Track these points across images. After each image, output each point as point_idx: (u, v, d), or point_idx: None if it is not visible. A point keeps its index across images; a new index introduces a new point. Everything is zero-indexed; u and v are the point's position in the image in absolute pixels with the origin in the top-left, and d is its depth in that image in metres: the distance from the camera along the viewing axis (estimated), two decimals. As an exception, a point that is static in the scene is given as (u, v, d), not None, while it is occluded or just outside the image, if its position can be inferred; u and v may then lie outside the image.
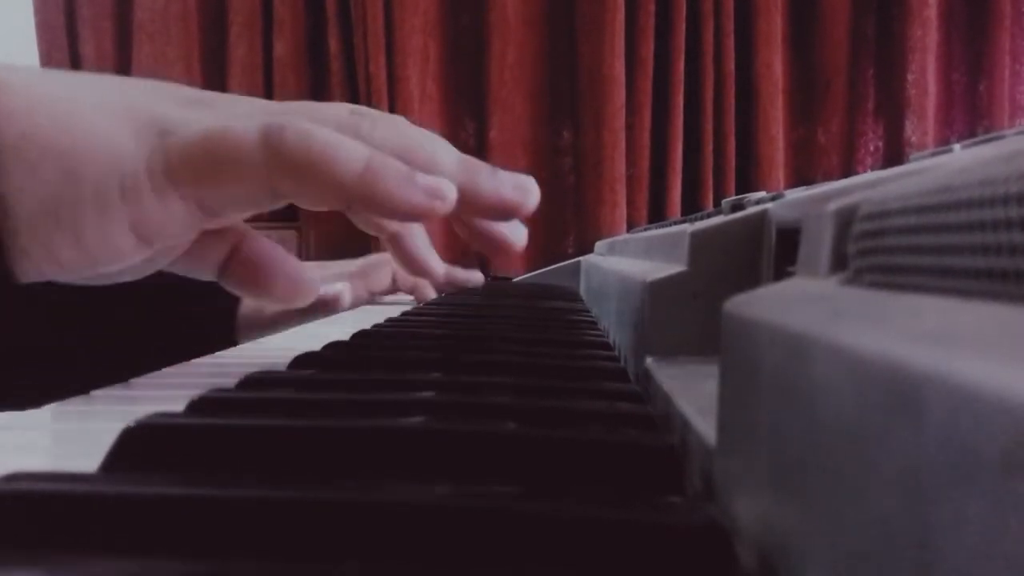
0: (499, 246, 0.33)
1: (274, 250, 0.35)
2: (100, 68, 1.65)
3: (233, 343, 0.49)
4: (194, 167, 0.27)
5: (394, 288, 0.82)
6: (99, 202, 0.26)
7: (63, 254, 0.27)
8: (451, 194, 0.28)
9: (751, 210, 0.29)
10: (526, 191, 0.31)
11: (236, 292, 0.35)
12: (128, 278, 0.31)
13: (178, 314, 0.55)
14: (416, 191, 0.27)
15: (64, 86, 0.28)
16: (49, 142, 0.26)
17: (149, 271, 0.32)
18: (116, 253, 0.27)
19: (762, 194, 0.34)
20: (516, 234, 0.33)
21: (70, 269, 0.27)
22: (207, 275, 0.34)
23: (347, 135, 0.28)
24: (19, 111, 0.26)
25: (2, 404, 0.27)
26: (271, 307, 0.62)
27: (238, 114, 0.29)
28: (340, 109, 0.30)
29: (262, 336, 0.61)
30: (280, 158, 0.26)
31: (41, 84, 0.27)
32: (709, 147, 1.55)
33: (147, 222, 0.27)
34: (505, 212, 0.31)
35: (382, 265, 0.81)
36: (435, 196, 0.28)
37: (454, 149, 0.31)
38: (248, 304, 0.63)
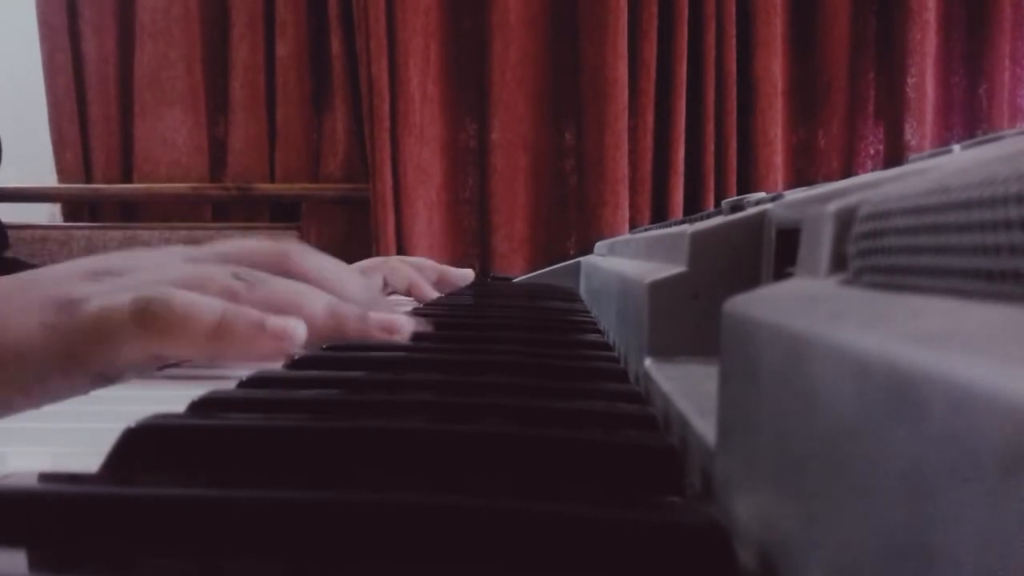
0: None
1: None
2: (102, 68, 1.65)
3: None
4: (87, 344, 0.32)
5: (389, 291, 0.82)
6: (19, 385, 0.32)
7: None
8: (298, 335, 0.33)
9: (751, 211, 0.29)
10: (395, 332, 0.37)
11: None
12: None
13: None
14: (264, 337, 0.32)
15: None
16: None
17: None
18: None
19: (762, 195, 0.34)
20: (394, 329, 0.37)
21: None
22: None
23: (223, 295, 0.33)
24: None
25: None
26: None
27: (124, 285, 0.34)
28: (224, 268, 0.36)
29: None
30: (147, 329, 0.32)
31: None
32: (710, 149, 1.56)
33: (54, 398, 0.31)
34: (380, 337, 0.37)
35: (376, 269, 0.80)
36: (282, 338, 0.32)
37: (334, 288, 0.38)
38: None
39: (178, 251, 0.38)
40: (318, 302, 0.36)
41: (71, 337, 0.33)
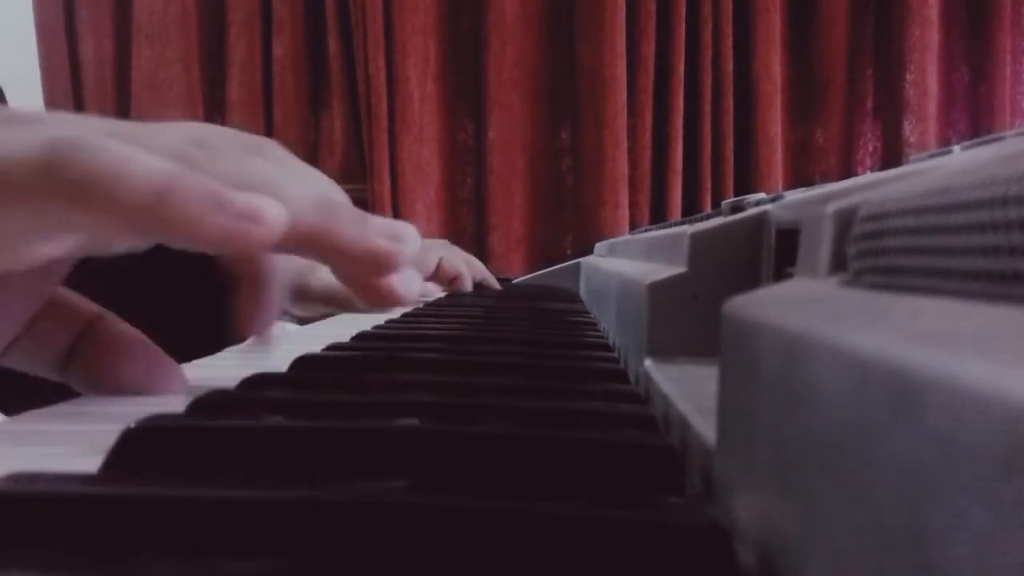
0: (382, 299, 0.29)
1: (131, 335, 0.31)
2: (100, 69, 1.65)
3: (226, 332, 0.46)
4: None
5: (435, 277, 0.83)
6: None
7: None
8: (273, 218, 0.23)
9: (751, 211, 0.29)
10: (400, 239, 0.27)
11: (80, 388, 0.31)
12: None
13: (170, 305, 0.54)
14: (223, 215, 0.23)
15: None
16: None
17: None
18: None
19: (761, 195, 0.34)
20: (405, 285, 0.29)
21: None
22: (47, 370, 0.31)
23: (175, 160, 0.24)
24: None
25: (2, 404, 0.27)
26: (309, 279, 0.62)
27: (42, 132, 0.24)
28: (180, 135, 0.26)
29: (303, 305, 0.61)
30: (57, 177, 0.22)
31: None
32: (708, 148, 1.56)
33: None
34: (374, 263, 0.27)
35: (429, 250, 0.82)
36: (248, 219, 0.23)
37: (321, 186, 0.28)
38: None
39: (124, 124, 0.26)
40: (304, 189, 0.26)
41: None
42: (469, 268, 0.88)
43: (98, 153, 0.22)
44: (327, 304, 0.60)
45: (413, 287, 0.29)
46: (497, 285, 0.93)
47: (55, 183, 0.22)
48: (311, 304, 0.60)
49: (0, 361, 0.30)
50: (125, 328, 0.31)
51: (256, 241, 0.23)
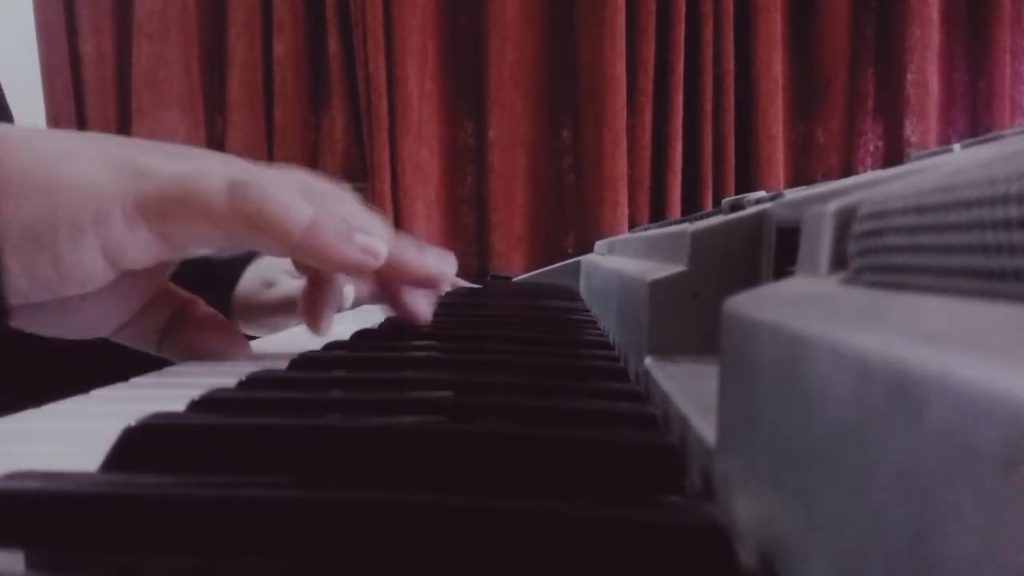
0: (410, 317, 0.41)
1: (213, 315, 0.40)
2: (100, 68, 1.65)
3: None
4: (165, 204, 0.31)
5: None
6: (73, 227, 0.30)
7: (43, 274, 0.30)
8: (382, 252, 0.34)
9: (751, 210, 0.29)
10: (447, 263, 0.39)
11: (174, 358, 0.39)
12: (97, 334, 0.36)
13: None
14: (352, 247, 0.33)
15: (55, 137, 0.32)
16: (32, 178, 0.30)
17: (110, 329, 0.37)
18: (88, 275, 0.31)
19: (761, 194, 0.34)
20: (424, 311, 0.41)
21: (50, 289, 0.31)
22: (148, 346, 0.39)
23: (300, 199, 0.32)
24: (8, 155, 0.30)
25: (1, 404, 0.27)
26: (266, 294, 0.63)
27: (212, 167, 0.32)
28: (297, 179, 0.34)
29: (256, 320, 0.61)
30: (241, 209, 0.31)
31: (33, 134, 0.32)
32: (709, 146, 1.55)
33: (115, 246, 0.31)
34: (429, 280, 0.39)
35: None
36: (368, 253, 0.33)
37: (388, 227, 0.37)
38: (241, 290, 0.63)
39: (245, 163, 0.36)
40: (385, 234, 0.35)
41: (149, 190, 0.31)
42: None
43: (268, 195, 0.31)
44: (284, 314, 0.62)
45: (427, 313, 0.42)
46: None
47: (238, 213, 0.31)
48: (263, 319, 0.63)
49: (113, 337, 0.38)
50: (208, 310, 0.40)
51: (370, 268, 0.34)
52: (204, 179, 0.31)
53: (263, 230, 0.31)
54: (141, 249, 0.31)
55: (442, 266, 0.39)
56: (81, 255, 0.30)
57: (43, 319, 0.33)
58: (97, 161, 0.31)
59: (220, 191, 0.31)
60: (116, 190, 0.30)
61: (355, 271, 0.34)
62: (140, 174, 0.31)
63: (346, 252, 0.33)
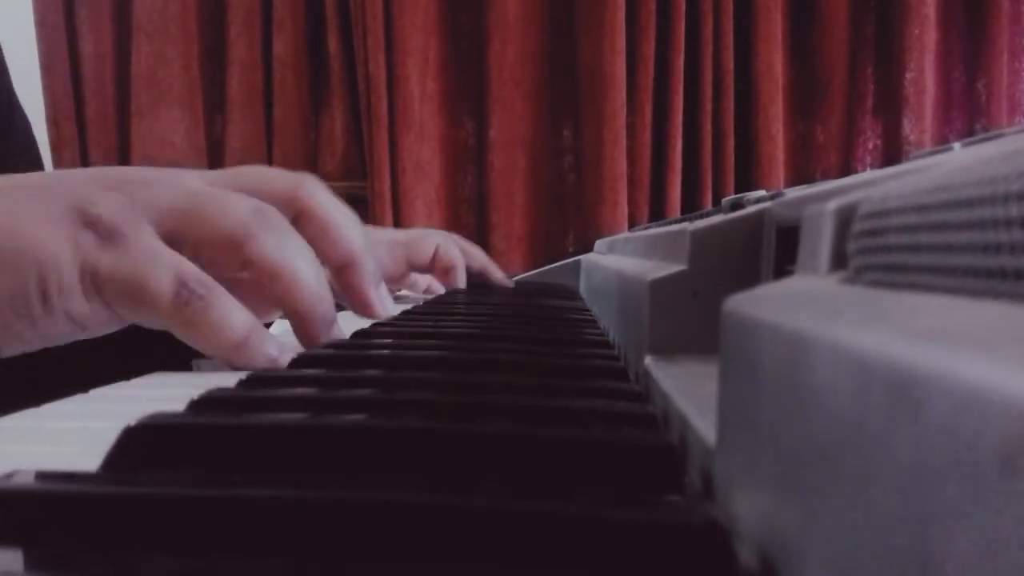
0: (367, 313, 0.44)
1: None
2: (99, 66, 1.65)
3: None
4: (118, 287, 0.33)
5: (432, 266, 0.82)
6: (43, 298, 0.33)
7: (25, 336, 0.34)
8: (283, 364, 0.35)
9: (751, 209, 0.29)
10: (386, 305, 0.45)
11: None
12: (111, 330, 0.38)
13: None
14: (271, 361, 0.35)
15: (8, 199, 0.34)
16: (2, 248, 0.32)
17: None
18: (64, 335, 0.35)
19: (761, 193, 0.34)
20: (378, 305, 0.44)
21: (32, 344, 0.34)
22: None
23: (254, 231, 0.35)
24: None
25: (1, 404, 0.27)
26: None
27: (160, 254, 0.34)
28: (249, 208, 0.36)
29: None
30: (181, 316, 0.34)
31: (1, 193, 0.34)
32: (709, 145, 1.55)
33: (77, 316, 0.34)
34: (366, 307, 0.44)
35: (426, 238, 0.81)
36: (275, 365, 0.35)
37: (358, 224, 0.42)
38: None
39: (194, 174, 0.38)
40: (311, 280, 0.37)
41: (103, 275, 0.33)
42: (469, 259, 0.86)
43: (210, 309, 0.34)
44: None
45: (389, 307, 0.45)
46: (500, 274, 0.91)
47: (178, 320, 0.33)
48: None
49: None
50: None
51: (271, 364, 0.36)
52: (155, 276, 0.33)
53: (198, 338, 0.34)
54: (99, 321, 0.34)
55: (380, 305, 0.43)
56: (53, 320, 0.33)
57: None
58: (59, 223, 0.33)
59: (166, 294, 0.33)
60: (77, 260, 0.33)
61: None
62: (102, 240, 0.33)
63: (258, 363, 0.35)
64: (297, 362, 0.34)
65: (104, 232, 0.33)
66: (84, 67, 1.66)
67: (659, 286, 0.30)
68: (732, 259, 0.29)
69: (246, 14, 1.62)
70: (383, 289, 0.44)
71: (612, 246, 0.78)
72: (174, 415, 0.22)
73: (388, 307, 0.44)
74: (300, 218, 0.39)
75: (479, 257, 0.89)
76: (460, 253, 0.84)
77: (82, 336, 0.35)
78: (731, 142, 1.56)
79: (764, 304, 0.15)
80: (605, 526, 0.14)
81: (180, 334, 0.34)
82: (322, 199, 0.40)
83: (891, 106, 1.59)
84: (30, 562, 0.15)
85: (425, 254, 0.81)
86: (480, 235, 1.59)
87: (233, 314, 0.34)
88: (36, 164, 0.75)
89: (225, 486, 0.16)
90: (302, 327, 0.38)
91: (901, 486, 0.09)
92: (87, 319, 0.34)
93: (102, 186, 0.35)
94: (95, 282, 0.33)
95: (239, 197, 0.36)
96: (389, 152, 1.54)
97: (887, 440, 0.09)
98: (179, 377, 0.36)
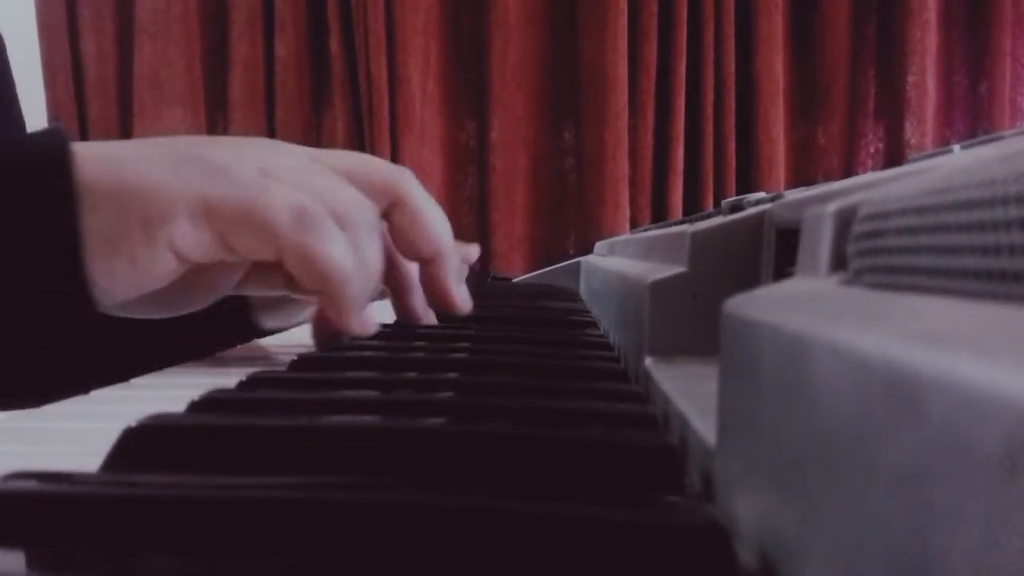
0: (412, 319, 0.44)
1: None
2: (102, 67, 1.65)
3: (248, 321, 0.49)
4: (231, 212, 0.33)
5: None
6: (143, 226, 0.32)
7: (123, 275, 0.33)
8: (371, 331, 0.37)
9: (751, 211, 0.29)
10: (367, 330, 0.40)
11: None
12: (197, 307, 0.38)
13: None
14: (354, 321, 0.35)
15: (124, 147, 0.34)
16: (101, 188, 0.32)
17: (212, 300, 0.39)
18: (163, 272, 0.33)
19: (761, 195, 0.34)
20: (425, 313, 0.44)
21: (132, 287, 0.33)
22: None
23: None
24: (84, 168, 0.32)
25: (2, 404, 0.27)
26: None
27: (278, 188, 0.34)
28: (305, 159, 0.37)
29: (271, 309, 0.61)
30: (299, 243, 0.33)
31: (102, 147, 0.34)
32: (710, 147, 1.55)
33: (180, 242, 0.33)
34: (432, 253, 0.41)
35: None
36: (365, 327, 0.36)
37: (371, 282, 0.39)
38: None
39: (299, 150, 0.38)
40: (368, 281, 0.36)
41: (216, 198, 0.33)
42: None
43: (326, 238, 0.33)
44: (299, 305, 0.61)
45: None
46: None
47: (296, 247, 0.33)
48: (279, 308, 0.63)
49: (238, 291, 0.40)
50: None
51: (353, 331, 0.36)
52: (273, 200, 0.33)
53: (311, 267, 0.33)
54: (203, 247, 0.33)
55: (460, 300, 0.42)
56: (154, 251, 0.32)
57: (129, 309, 0.36)
58: (163, 162, 0.33)
59: (286, 219, 0.33)
60: (182, 190, 0.32)
61: (343, 320, 0.35)
62: (210, 173, 0.33)
63: (351, 317, 0.35)
64: (297, 363, 0.34)
65: (210, 168, 0.33)
66: (86, 67, 1.66)
67: (659, 288, 0.30)
68: (732, 261, 0.29)
69: (248, 15, 1.62)
70: (464, 288, 0.43)
71: (612, 248, 0.78)
72: (174, 416, 0.23)
73: (468, 305, 0.44)
74: (394, 207, 0.39)
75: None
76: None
77: (180, 273, 0.34)
78: (732, 144, 1.56)
79: (764, 306, 0.15)
80: (606, 527, 0.14)
81: (292, 262, 0.33)
82: (417, 193, 0.40)
83: (893, 109, 1.59)
84: (31, 562, 0.15)
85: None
86: (481, 236, 1.59)
87: (347, 249, 0.34)
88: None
89: (225, 487, 0.16)
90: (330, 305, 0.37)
91: (901, 487, 0.09)
92: (191, 250, 0.33)
93: (203, 143, 0.35)
94: (205, 209, 0.33)
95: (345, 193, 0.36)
96: (390, 153, 1.54)
97: (887, 441, 0.09)
98: (179, 377, 0.36)
